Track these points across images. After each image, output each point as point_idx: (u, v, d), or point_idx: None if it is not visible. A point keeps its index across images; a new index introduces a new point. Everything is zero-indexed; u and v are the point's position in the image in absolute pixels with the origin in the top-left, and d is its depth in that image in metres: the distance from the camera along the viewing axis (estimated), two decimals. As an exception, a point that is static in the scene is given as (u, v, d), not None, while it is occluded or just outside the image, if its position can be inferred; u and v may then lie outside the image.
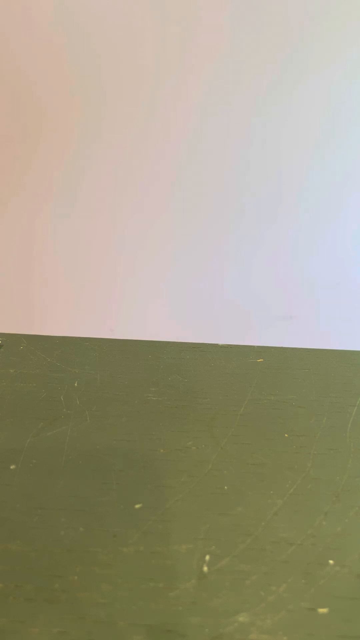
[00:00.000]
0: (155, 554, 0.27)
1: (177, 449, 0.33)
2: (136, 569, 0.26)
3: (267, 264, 0.65)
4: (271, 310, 0.68)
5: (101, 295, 0.68)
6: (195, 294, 0.67)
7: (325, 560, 0.27)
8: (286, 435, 0.34)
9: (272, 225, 0.63)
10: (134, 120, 0.58)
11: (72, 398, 0.37)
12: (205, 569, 0.26)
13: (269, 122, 0.57)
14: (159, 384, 0.39)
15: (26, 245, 0.65)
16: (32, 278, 0.67)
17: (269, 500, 0.30)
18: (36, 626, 0.24)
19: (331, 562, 0.27)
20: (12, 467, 0.32)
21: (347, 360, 0.41)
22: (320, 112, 0.56)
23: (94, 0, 0.52)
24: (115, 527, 0.28)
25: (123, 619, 0.24)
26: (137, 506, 0.29)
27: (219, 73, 0.55)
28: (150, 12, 0.52)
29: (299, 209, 0.62)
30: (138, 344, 0.43)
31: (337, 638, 0.24)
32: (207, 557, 0.27)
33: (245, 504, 0.30)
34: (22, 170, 0.61)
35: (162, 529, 0.28)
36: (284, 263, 0.65)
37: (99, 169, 0.60)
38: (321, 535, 0.28)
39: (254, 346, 0.43)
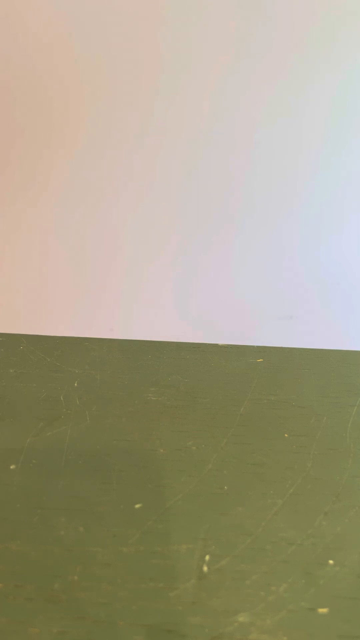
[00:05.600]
0: (155, 554, 0.27)
1: (177, 449, 0.33)
2: (136, 569, 0.26)
3: (267, 264, 0.65)
4: (271, 310, 0.68)
5: (101, 295, 0.68)
6: (195, 293, 0.67)
7: (325, 560, 0.27)
8: (286, 435, 0.34)
9: (272, 225, 0.63)
10: (137, 118, 0.58)
11: (72, 398, 0.37)
12: (205, 568, 0.26)
13: (270, 122, 0.57)
14: (159, 384, 0.39)
15: (26, 245, 0.65)
16: (32, 278, 0.67)
17: (269, 500, 0.30)
18: (36, 626, 0.24)
19: (331, 562, 0.27)
20: (12, 467, 0.32)
21: (347, 360, 0.41)
22: (323, 113, 0.56)
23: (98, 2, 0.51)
24: (115, 527, 0.28)
25: (123, 619, 0.24)
26: (137, 506, 0.29)
27: (223, 76, 0.55)
28: (153, 16, 0.52)
29: (299, 209, 0.62)
30: (138, 344, 0.43)
31: (337, 638, 0.24)
32: (207, 557, 0.27)
33: (245, 504, 0.30)
34: (23, 170, 0.61)
35: (162, 529, 0.28)
36: (284, 263, 0.65)
37: (100, 168, 0.60)
38: (321, 535, 0.28)
39: (254, 346, 0.43)
